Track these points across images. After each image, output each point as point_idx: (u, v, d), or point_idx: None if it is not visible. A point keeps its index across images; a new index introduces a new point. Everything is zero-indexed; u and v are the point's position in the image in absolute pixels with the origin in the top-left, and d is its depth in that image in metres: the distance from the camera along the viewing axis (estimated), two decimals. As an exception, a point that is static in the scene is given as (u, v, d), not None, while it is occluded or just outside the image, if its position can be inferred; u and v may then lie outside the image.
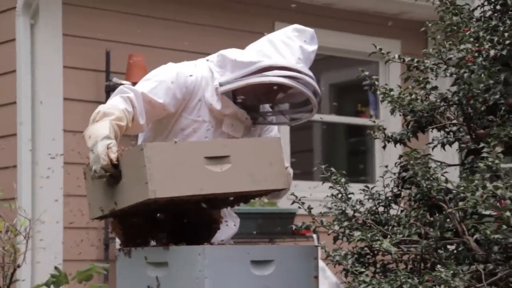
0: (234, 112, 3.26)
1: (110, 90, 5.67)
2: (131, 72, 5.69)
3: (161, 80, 3.20)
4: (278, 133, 3.50)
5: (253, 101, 3.29)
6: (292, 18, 6.51)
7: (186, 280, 2.93)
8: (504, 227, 2.50)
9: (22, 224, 3.91)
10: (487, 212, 2.78)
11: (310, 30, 3.31)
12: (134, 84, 5.59)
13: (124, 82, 5.62)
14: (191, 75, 3.23)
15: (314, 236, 5.79)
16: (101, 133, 2.96)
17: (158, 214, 3.06)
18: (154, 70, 3.29)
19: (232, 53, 3.28)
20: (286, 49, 3.21)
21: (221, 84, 3.22)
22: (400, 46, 6.93)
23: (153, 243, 3.15)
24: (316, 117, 7.12)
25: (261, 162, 3.00)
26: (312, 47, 3.29)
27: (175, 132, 3.26)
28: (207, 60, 3.32)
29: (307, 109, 3.30)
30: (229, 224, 3.40)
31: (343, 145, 7.30)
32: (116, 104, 3.10)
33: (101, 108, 3.09)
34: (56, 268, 3.66)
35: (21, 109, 5.53)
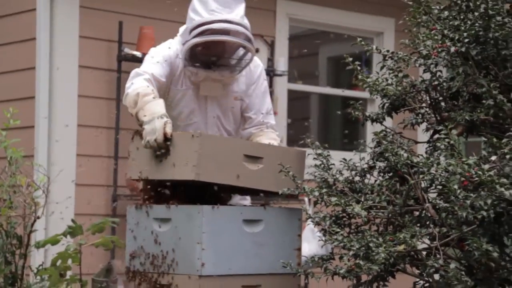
0: (207, 76, 3.69)
1: (121, 59, 6.09)
2: (141, 43, 6.03)
3: (157, 62, 3.65)
4: (267, 86, 3.88)
5: (213, 57, 3.67)
6: (293, -5, 6.94)
7: (187, 234, 3.38)
8: (452, 197, 2.97)
9: (41, 180, 4.35)
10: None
11: None
12: (144, 54, 6.03)
13: (134, 52, 6.06)
14: (170, 55, 3.67)
15: (306, 199, 6.24)
16: (157, 110, 3.42)
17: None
18: (148, 54, 3.73)
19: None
20: (201, 6, 3.60)
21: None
22: (394, 24, 7.32)
23: None
24: (314, 89, 7.58)
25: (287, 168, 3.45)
26: None
27: (169, 101, 3.69)
28: (179, 34, 3.75)
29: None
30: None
31: (338, 116, 7.73)
32: (145, 85, 3.55)
33: (136, 90, 3.52)
34: (72, 220, 4.09)
35: (40, 74, 5.85)
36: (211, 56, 3.66)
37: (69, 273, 4.11)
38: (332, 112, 7.94)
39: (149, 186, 3.55)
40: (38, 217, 4.25)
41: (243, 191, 3.65)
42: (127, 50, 6.06)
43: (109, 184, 6.07)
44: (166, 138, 3.36)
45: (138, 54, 5.96)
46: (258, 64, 3.85)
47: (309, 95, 7.73)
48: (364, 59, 7.16)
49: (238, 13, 3.60)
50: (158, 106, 3.45)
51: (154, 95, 3.50)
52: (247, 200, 3.89)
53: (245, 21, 3.63)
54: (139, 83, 3.55)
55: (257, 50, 6.58)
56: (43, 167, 4.75)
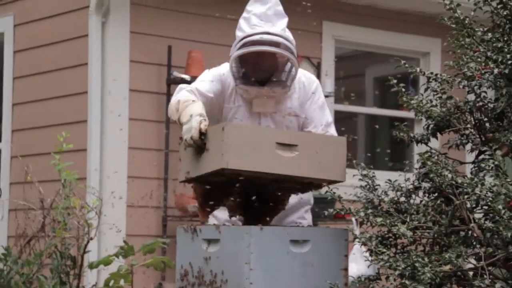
0: (258, 92, 3.77)
1: (171, 83, 6.22)
2: (190, 67, 6.18)
3: (206, 80, 3.77)
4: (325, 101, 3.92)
5: (264, 73, 3.75)
6: (339, 17, 7.02)
7: (235, 254, 3.44)
8: (497, 218, 3.00)
9: (94, 203, 4.48)
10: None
11: None
12: (192, 77, 6.19)
13: (183, 75, 6.18)
14: (222, 74, 3.78)
15: (353, 219, 6.26)
16: (194, 110, 3.51)
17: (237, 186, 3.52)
18: (199, 76, 3.86)
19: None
20: (244, 23, 3.73)
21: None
22: (440, 44, 7.34)
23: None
24: (360, 109, 7.63)
25: (326, 155, 3.49)
26: (265, 6, 3.73)
27: (223, 119, 3.78)
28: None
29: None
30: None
31: (385, 136, 7.77)
32: (188, 95, 3.66)
33: (177, 98, 3.62)
34: (124, 241, 4.21)
35: (92, 99, 6.03)
36: (257, 70, 3.74)
37: (121, 293, 4.22)
38: (378, 132, 7.97)
39: (198, 187, 3.61)
40: (91, 238, 4.38)
41: (299, 189, 3.67)
42: (176, 73, 6.19)
43: (160, 206, 6.18)
44: (201, 134, 3.44)
45: (187, 77, 6.08)
46: (313, 80, 3.92)
47: (356, 116, 7.78)
48: (410, 79, 7.19)
49: (279, 26, 3.71)
50: (195, 107, 3.54)
51: (194, 99, 3.60)
52: (307, 220, 3.94)
53: (287, 34, 3.72)
54: (181, 94, 3.67)
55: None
56: (96, 189, 4.87)
